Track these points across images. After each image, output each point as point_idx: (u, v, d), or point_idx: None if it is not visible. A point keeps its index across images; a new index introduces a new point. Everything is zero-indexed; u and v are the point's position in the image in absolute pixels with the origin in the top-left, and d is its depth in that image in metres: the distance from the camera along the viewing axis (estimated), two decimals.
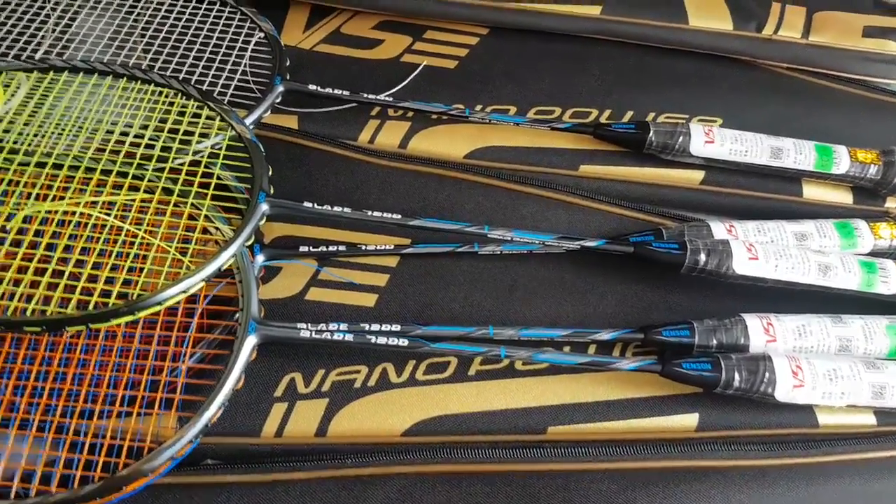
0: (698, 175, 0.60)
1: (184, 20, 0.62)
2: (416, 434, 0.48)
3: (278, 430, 0.47)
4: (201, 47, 0.60)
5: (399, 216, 0.51)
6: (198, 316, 0.48)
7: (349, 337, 0.47)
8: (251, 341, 0.46)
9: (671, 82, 0.65)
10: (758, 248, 0.52)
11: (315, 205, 0.50)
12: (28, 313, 0.42)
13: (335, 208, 0.51)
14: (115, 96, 0.54)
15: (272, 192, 0.50)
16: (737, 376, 0.47)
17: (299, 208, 0.50)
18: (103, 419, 0.45)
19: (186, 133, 0.52)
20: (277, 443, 0.47)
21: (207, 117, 0.53)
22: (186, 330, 0.47)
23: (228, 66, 0.59)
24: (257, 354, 0.47)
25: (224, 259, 0.46)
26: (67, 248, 0.46)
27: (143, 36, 0.61)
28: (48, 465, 0.43)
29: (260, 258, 0.52)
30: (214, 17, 0.63)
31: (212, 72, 0.59)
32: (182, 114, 0.53)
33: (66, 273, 0.45)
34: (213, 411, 0.43)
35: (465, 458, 0.47)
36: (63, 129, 0.52)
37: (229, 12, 0.63)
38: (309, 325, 0.48)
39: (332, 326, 0.48)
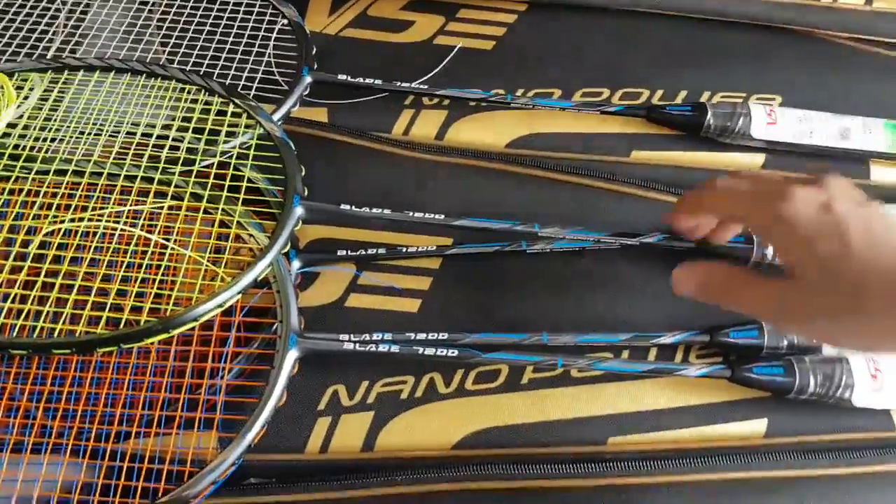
0: (759, 159, 0.56)
1: (201, 9, 0.59)
2: (467, 447, 0.45)
3: (323, 446, 0.45)
4: (221, 38, 0.57)
5: (442, 216, 0.48)
6: (235, 329, 0.45)
7: (395, 348, 0.44)
8: (293, 355, 0.43)
9: (726, 58, 0.60)
10: None
11: (353, 207, 0.47)
12: (56, 335, 0.40)
13: (374, 210, 0.48)
14: (135, 95, 0.51)
15: (306, 193, 0.47)
16: (812, 381, 0.44)
17: (336, 212, 0.47)
18: (140, 442, 0.43)
19: (212, 132, 0.49)
20: (323, 459, 0.45)
21: (233, 114, 0.50)
22: (223, 344, 0.45)
23: (252, 58, 0.56)
24: (299, 367, 0.44)
25: (261, 269, 0.43)
26: (94, 262, 0.44)
27: (159, 28, 0.58)
28: (83, 492, 0.41)
29: (296, 264, 0.49)
30: (234, 4, 0.59)
31: (234, 64, 0.55)
32: (206, 111, 0.50)
33: (94, 289, 0.42)
34: (255, 431, 0.41)
35: (520, 473, 0.44)
36: (81, 133, 0.49)
37: None
38: (352, 335, 0.45)
39: (377, 336, 0.45)
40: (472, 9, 0.63)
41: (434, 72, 0.59)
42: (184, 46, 0.56)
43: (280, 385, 0.42)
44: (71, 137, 0.49)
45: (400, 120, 0.57)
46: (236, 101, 0.50)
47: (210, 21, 0.58)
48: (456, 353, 0.44)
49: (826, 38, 0.62)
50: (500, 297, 0.50)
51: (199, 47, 0.56)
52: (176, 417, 0.43)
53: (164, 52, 0.56)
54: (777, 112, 0.54)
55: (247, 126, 0.49)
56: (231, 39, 0.57)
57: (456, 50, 0.60)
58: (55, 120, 0.49)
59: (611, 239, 0.49)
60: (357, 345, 0.44)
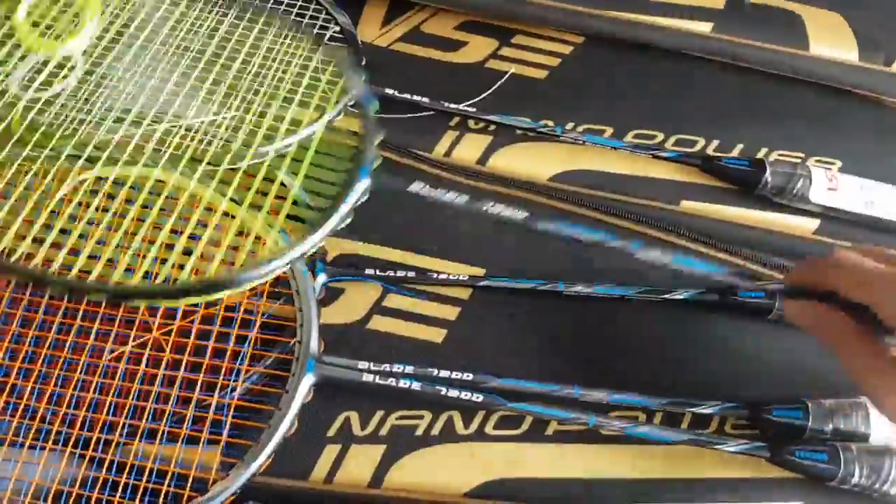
0: (812, 224, 0.53)
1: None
2: (480, 496, 0.42)
3: (328, 475, 0.42)
4: None
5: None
6: (251, 344, 0.42)
7: (416, 385, 0.42)
8: (308, 381, 0.41)
9: (786, 115, 0.57)
10: None
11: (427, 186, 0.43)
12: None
13: None
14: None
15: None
16: (857, 472, 0.41)
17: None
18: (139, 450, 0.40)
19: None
20: (327, 489, 0.42)
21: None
22: (235, 359, 0.42)
23: (299, 62, 0.54)
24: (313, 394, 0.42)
25: (317, 239, 0.37)
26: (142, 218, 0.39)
27: None
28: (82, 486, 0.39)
29: (322, 278, 0.46)
30: (287, 5, 0.57)
31: (280, 66, 0.53)
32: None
33: (140, 243, 0.37)
34: (261, 461, 0.39)
35: None
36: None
37: (303, 1, 0.58)
38: (372, 365, 0.42)
39: (398, 369, 0.43)
40: (528, 35, 0.61)
41: (483, 95, 0.57)
42: None
43: (292, 412, 0.40)
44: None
45: (443, 140, 0.55)
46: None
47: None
48: (480, 398, 0.42)
49: (893, 107, 0.60)
50: (531, 337, 0.47)
51: None
52: (181, 435, 0.40)
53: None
54: (838, 178, 0.52)
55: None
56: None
57: (508, 75, 0.58)
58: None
59: (642, 296, 0.46)
60: (377, 377, 0.42)
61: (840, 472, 0.41)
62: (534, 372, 0.45)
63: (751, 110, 0.58)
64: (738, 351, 0.48)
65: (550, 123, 0.54)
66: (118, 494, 0.38)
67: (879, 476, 0.41)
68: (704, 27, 0.59)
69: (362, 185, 0.39)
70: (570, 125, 0.55)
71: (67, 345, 0.42)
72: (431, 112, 0.55)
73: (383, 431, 0.44)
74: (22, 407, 0.40)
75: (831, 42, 0.59)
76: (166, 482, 0.38)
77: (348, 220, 0.38)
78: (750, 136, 0.56)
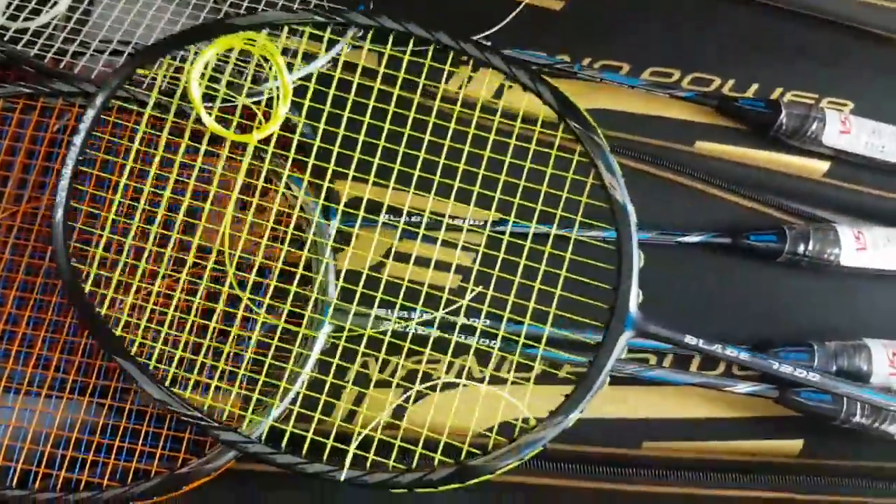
0: (822, 165, 0.53)
1: None
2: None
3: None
4: None
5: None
6: None
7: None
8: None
9: (802, 54, 0.56)
10: None
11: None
12: None
13: None
14: None
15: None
16: (858, 412, 0.43)
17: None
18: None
19: None
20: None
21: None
22: None
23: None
24: None
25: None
26: None
27: None
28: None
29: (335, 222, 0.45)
30: None
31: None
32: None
33: None
34: None
35: (548, 470, 0.43)
36: None
37: None
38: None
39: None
40: None
41: (496, 28, 0.54)
42: None
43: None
44: None
45: (454, 78, 0.53)
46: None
47: None
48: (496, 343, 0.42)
49: None
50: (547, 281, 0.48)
51: None
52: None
53: None
54: (852, 121, 0.52)
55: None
56: None
57: (522, 6, 0.56)
58: None
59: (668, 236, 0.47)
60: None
61: (843, 412, 0.43)
62: (547, 316, 0.45)
63: (766, 48, 0.56)
64: (747, 293, 0.49)
65: (567, 59, 0.53)
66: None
67: (879, 415, 0.43)
68: None
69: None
70: (586, 61, 0.54)
71: None
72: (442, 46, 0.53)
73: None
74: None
75: None
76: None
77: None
78: (765, 76, 0.55)
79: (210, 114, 0.41)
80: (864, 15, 0.57)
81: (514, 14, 0.55)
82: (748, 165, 0.53)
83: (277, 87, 0.42)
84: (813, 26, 0.58)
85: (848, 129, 0.51)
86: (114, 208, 0.40)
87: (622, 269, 0.40)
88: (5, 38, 0.47)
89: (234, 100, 0.43)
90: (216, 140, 0.42)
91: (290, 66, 0.45)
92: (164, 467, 0.38)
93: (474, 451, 0.38)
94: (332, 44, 0.45)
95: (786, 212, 0.52)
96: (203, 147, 0.42)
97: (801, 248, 0.48)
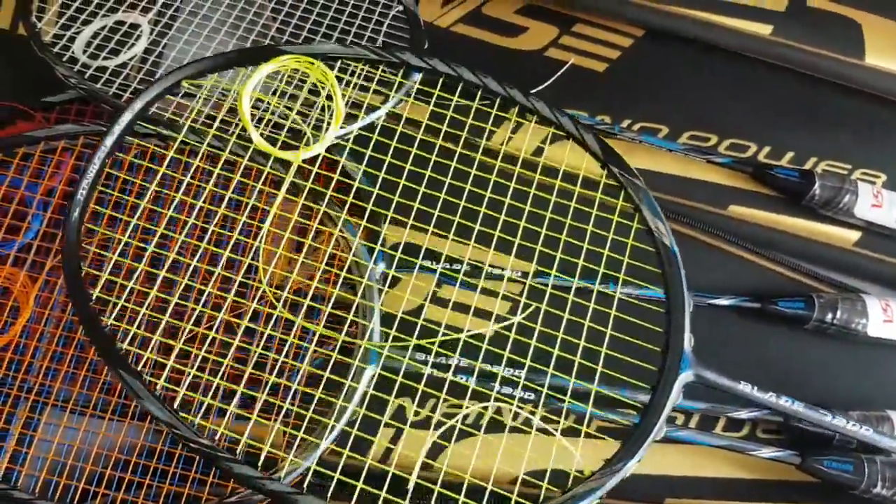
0: (853, 235, 0.55)
1: None
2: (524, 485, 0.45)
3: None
4: (332, 21, 0.55)
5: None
6: None
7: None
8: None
9: (837, 124, 0.58)
10: None
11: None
12: None
13: None
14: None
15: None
16: (880, 483, 0.44)
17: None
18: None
19: None
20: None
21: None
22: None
23: (363, 41, 0.54)
24: None
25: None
26: None
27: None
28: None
29: (382, 265, 0.48)
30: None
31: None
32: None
33: None
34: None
35: None
36: None
37: None
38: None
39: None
40: (589, 25, 0.61)
41: (544, 86, 0.57)
42: (292, 26, 0.55)
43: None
44: None
45: (501, 130, 0.55)
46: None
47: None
48: (532, 396, 0.44)
49: None
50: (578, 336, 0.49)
51: (309, 25, 0.55)
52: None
53: (274, 27, 0.54)
54: (884, 195, 0.53)
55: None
56: (342, 22, 0.55)
57: (568, 65, 0.58)
58: None
59: (700, 297, 0.48)
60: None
61: (864, 483, 0.44)
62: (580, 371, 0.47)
63: (802, 117, 0.58)
64: (773, 358, 0.51)
65: (608, 120, 0.55)
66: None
67: None
68: (765, 29, 0.59)
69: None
70: (626, 122, 0.56)
71: None
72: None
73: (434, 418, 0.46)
74: None
75: (888, 53, 0.59)
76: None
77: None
78: (801, 144, 0.57)
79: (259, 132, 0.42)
80: None
81: (558, 74, 0.58)
82: (780, 231, 0.55)
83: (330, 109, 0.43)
84: (848, 96, 0.59)
85: (880, 203, 0.53)
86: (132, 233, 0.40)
87: (673, 310, 0.41)
88: (86, 76, 0.51)
89: (284, 121, 0.45)
90: (276, 184, 0.45)
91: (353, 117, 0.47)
92: (213, 494, 0.40)
93: (522, 501, 0.37)
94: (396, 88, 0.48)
95: (815, 279, 0.53)
96: (265, 189, 0.44)
97: (828, 317, 0.49)
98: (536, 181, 0.45)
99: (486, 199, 0.44)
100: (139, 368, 0.37)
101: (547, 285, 0.43)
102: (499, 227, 0.43)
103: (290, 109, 0.47)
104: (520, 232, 0.44)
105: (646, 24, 0.60)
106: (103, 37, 0.53)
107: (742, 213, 0.55)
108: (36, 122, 0.53)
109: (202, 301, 0.40)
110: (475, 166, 0.45)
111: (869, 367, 0.50)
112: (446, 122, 0.46)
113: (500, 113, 0.48)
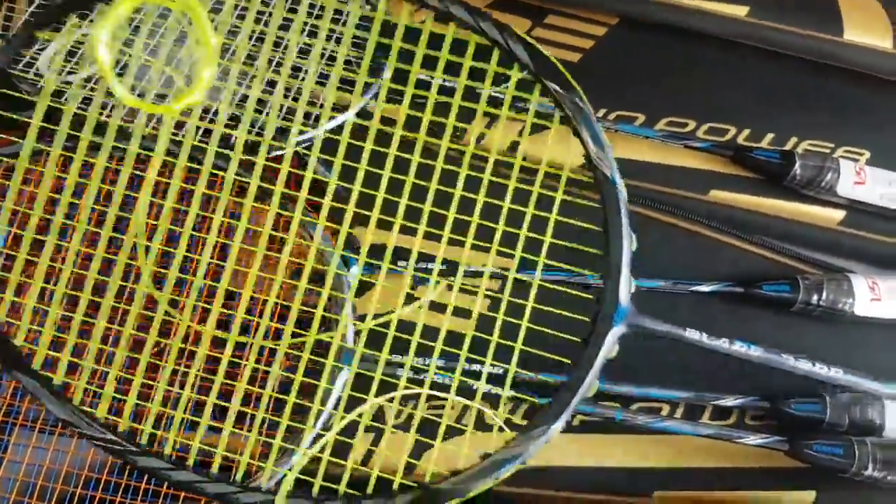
0: (837, 214, 0.54)
1: None
2: (512, 484, 0.45)
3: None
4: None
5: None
6: None
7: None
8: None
9: (818, 103, 0.57)
10: None
11: None
12: None
13: None
14: None
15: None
16: (870, 465, 0.43)
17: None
18: None
19: None
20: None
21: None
22: None
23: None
24: None
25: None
26: None
27: None
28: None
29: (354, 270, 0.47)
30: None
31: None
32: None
33: None
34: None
35: None
36: None
37: None
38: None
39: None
40: (561, 16, 0.60)
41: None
42: None
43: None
44: None
45: (475, 123, 0.55)
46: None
47: None
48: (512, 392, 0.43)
49: None
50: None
51: None
52: None
53: None
54: (867, 172, 0.52)
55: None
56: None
57: None
58: None
59: (682, 285, 0.48)
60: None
61: (854, 466, 0.43)
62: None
63: (782, 98, 0.57)
64: (759, 343, 0.50)
65: None
66: None
67: (891, 469, 0.43)
68: (740, 10, 0.58)
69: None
70: (601, 112, 0.56)
71: None
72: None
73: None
74: None
75: (866, 29, 0.58)
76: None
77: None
78: (780, 124, 0.56)
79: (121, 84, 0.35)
80: (881, 64, 0.58)
81: None
82: (763, 214, 0.54)
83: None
84: (828, 74, 0.58)
85: (863, 181, 0.52)
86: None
87: (610, 253, 0.37)
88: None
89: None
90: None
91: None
92: None
93: (438, 471, 0.35)
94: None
95: (800, 260, 0.52)
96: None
97: (814, 299, 0.48)
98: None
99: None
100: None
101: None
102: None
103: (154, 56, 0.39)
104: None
105: (618, 11, 0.59)
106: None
107: (723, 198, 0.54)
108: None
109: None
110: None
111: (856, 348, 0.49)
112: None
113: None
